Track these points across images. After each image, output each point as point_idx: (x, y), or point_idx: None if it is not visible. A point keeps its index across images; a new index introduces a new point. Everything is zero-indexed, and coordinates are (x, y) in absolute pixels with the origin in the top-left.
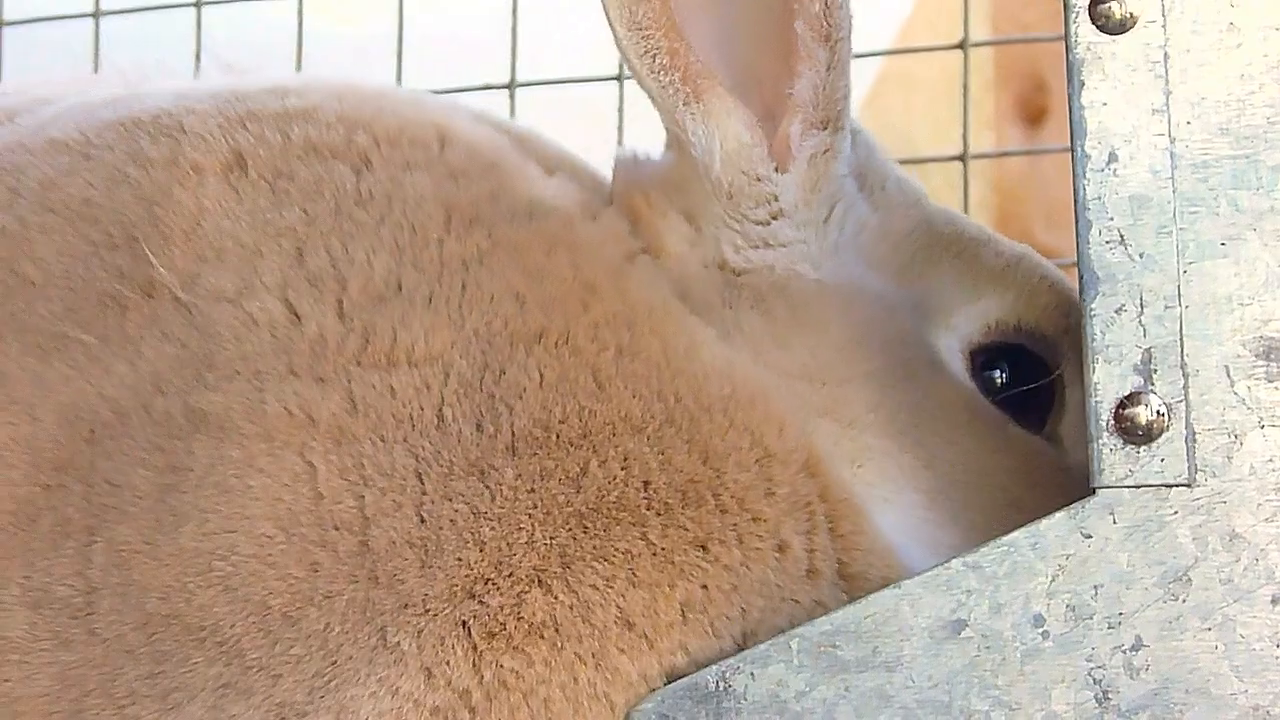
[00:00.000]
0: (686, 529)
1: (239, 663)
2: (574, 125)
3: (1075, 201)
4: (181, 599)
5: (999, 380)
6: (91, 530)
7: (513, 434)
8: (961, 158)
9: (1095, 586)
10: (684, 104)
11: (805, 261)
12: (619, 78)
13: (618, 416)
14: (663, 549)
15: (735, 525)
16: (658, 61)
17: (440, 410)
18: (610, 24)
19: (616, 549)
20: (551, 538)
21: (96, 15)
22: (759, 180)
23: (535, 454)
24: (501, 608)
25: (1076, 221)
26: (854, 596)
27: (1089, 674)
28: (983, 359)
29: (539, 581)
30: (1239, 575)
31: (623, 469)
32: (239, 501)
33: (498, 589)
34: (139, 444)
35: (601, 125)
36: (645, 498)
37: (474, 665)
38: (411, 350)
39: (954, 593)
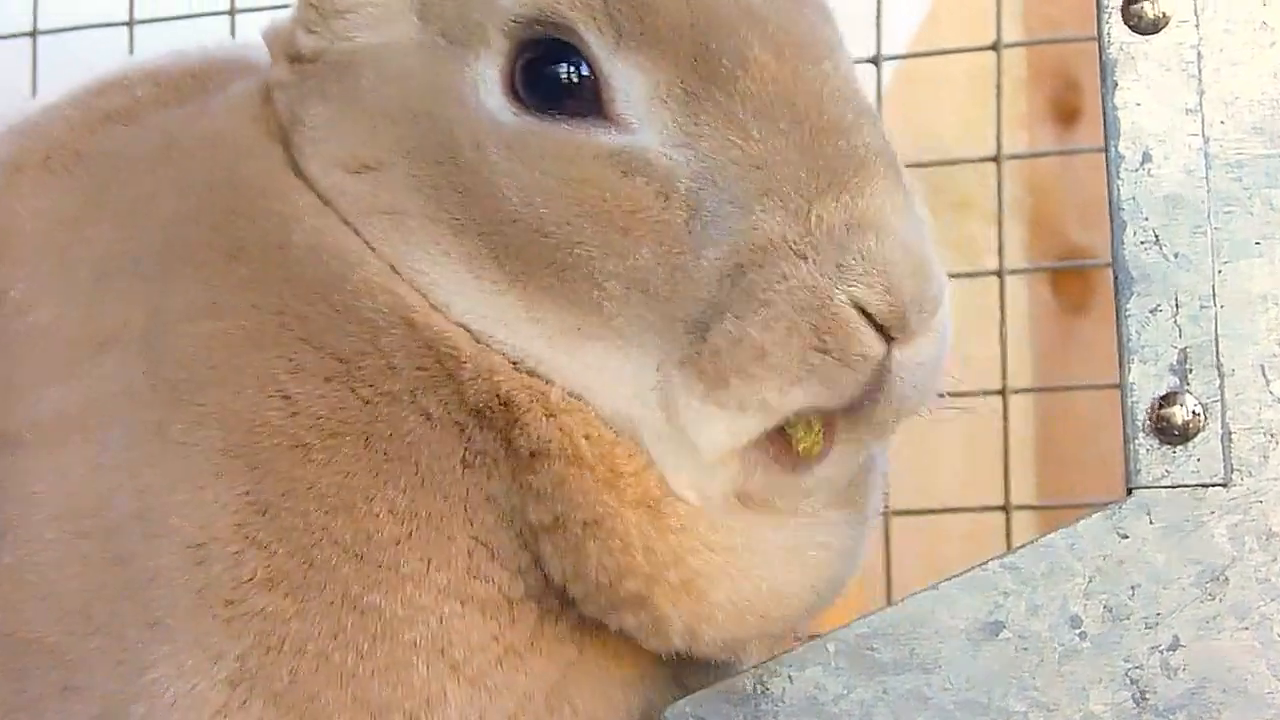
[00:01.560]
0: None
1: (66, 664)
2: None
3: (1110, 202)
4: (12, 616)
5: (566, 77)
6: None
7: (175, 389)
8: (995, 158)
9: (1132, 587)
10: None
11: (366, 27)
12: None
13: (249, 342)
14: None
15: (385, 412)
16: None
17: (132, 388)
18: None
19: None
20: (245, 490)
21: (130, 24)
22: None
23: (198, 403)
24: (225, 570)
25: (1111, 222)
26: (509, 423)
27: (1126, 674)
28: (524, 68)
29: (249, 539)
30: (1276, 574)
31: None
32: (31, 511)
33: (218, 555)
34: None
35: None
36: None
37: (228, 632)
38: (120, 334)
39: (991, 594)
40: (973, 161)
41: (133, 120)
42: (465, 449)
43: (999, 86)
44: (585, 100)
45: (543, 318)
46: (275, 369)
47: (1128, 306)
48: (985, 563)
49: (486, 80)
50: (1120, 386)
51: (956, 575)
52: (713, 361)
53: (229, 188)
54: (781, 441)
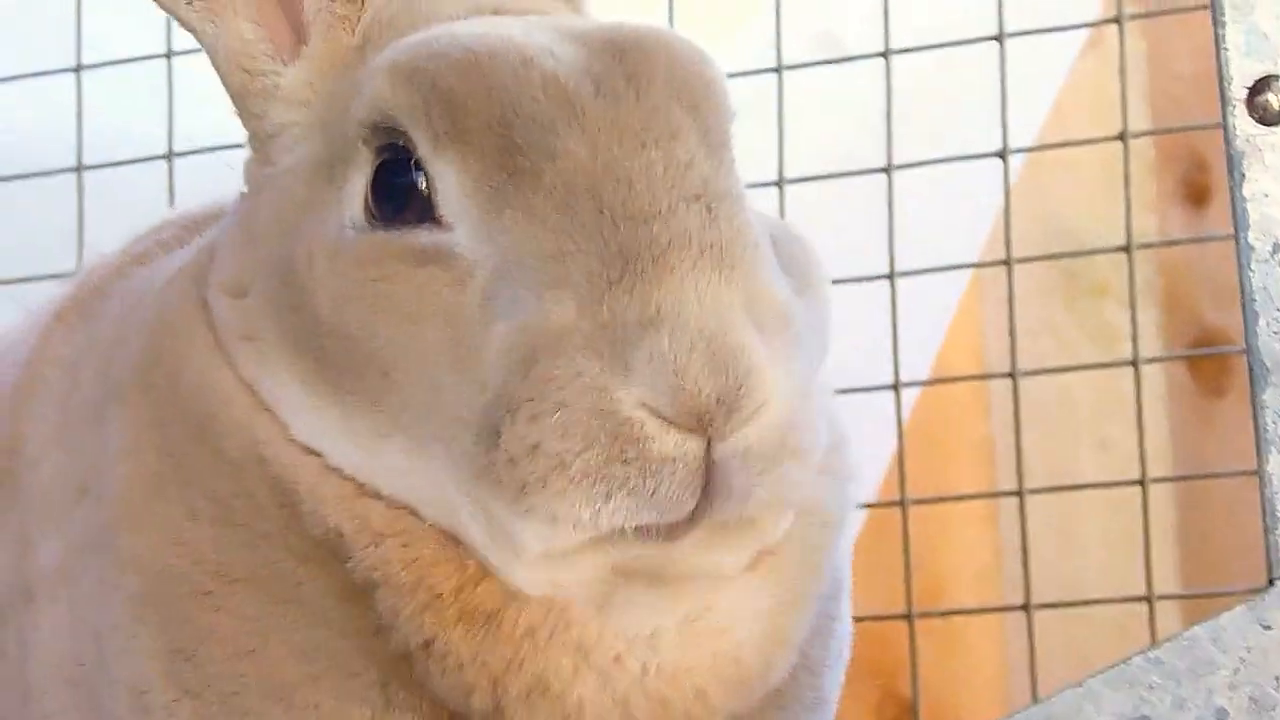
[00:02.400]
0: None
1: None
2: None
3: (1241, 293)
4: None
5: (400, 183)
6: None
7: (107, 533)
8: (1126, 248)
9: (1276, 677)
10: (187, 3)
11: (287, 150)
12: None
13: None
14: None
15: (264, 554)
16: None
17: (90, 536)
18: None
19: None
20: (167, 638)
21: (169, 56)
22: (261, 75)
23: (120, 548)
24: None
25: (1244, 313)
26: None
27: None
28: (373, 178)
29: (180, 687)
30: None
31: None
32: (41, 663)
33: (157, 703)
34: None
35: None
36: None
37: None
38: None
39: (1136, 689)
40: (1104, 252)
41: (150, 262)
42: (339, 583)
43: (1127, 176)
44: (421, 205)
45: (356, 426)
46: (175, 513)
47: (1264, 397)
48: (1130, 658)
49: (352, 195)
50: (1259, 477)
51: (1101, 671)
52: (508, 471)
53: (155, 327)
54: None
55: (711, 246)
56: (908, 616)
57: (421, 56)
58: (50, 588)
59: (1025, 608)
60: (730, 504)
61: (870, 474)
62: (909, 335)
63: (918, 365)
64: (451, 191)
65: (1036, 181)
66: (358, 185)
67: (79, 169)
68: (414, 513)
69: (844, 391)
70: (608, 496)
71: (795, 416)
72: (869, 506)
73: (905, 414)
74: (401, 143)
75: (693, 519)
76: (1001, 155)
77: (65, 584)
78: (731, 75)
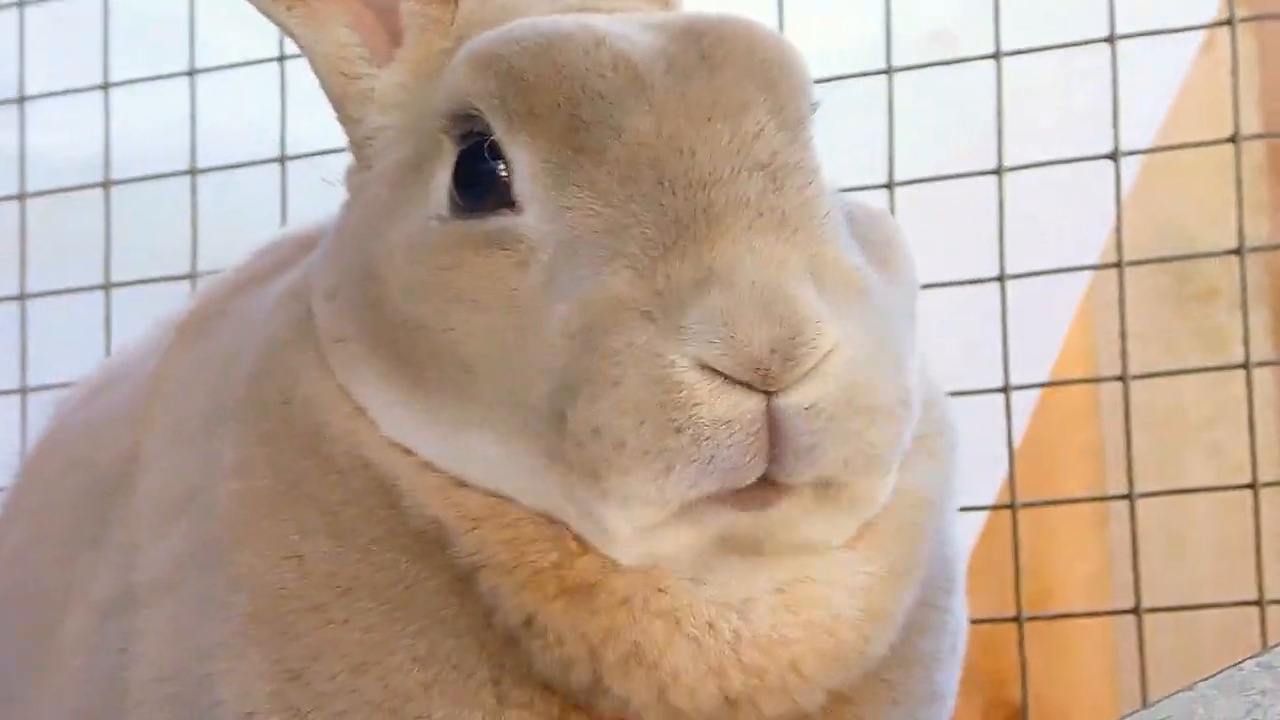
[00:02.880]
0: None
1: None
2: None
3: None
4: None
5: (482, 170)
6: None
7: (217, 549)
8: (1238, 251)
9: None
10: (287, 9)
11: (380, 154)
12: None
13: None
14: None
15: (380, 559)
16: None
17: (195, 549)
18: None
19: None
20: (276, 658)
21: (281, 59)
22: (357, 79)
23: (231, 565)
24: None
25: None
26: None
27: None
28: (455, 170)
29: (287, 707)
30: None
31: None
32: (141, 671)
33: None
34: None
35: None
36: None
37: None
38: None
39: (1248, 694)
40: (1215, 255)
41: (265, 282)
42: (447, 576)
43: (1238, 179)
44: (501, 191)
45: (441, 419)
46: (287, 530)
47: None
48: (1241, 662)
49: (438, 188)
50: None
51: (1212, 675)
52: (577, 454)
53: (264, 345)
54: None
55: (772, 210)
56: (1017, 620)
57: (498, 43)
58: (153, 596)
59: (1135, 612)
60: (800, 464)
61: (983, 479)
62: (1027, 341)
63: (1037, 371)
64: (524, 173)
65: (1151, 185)
66: (442, 178)
67: (193, 172)
68: (510, 499)
69: (955, 394)
70: (668, 469)
71: (865, 374)
72: (979, 509)
73: (1021, 419)
74: (480, 130)
75: (779, 486)
76: (1113, 157)
77: (168, 594)
78: (841, 76)
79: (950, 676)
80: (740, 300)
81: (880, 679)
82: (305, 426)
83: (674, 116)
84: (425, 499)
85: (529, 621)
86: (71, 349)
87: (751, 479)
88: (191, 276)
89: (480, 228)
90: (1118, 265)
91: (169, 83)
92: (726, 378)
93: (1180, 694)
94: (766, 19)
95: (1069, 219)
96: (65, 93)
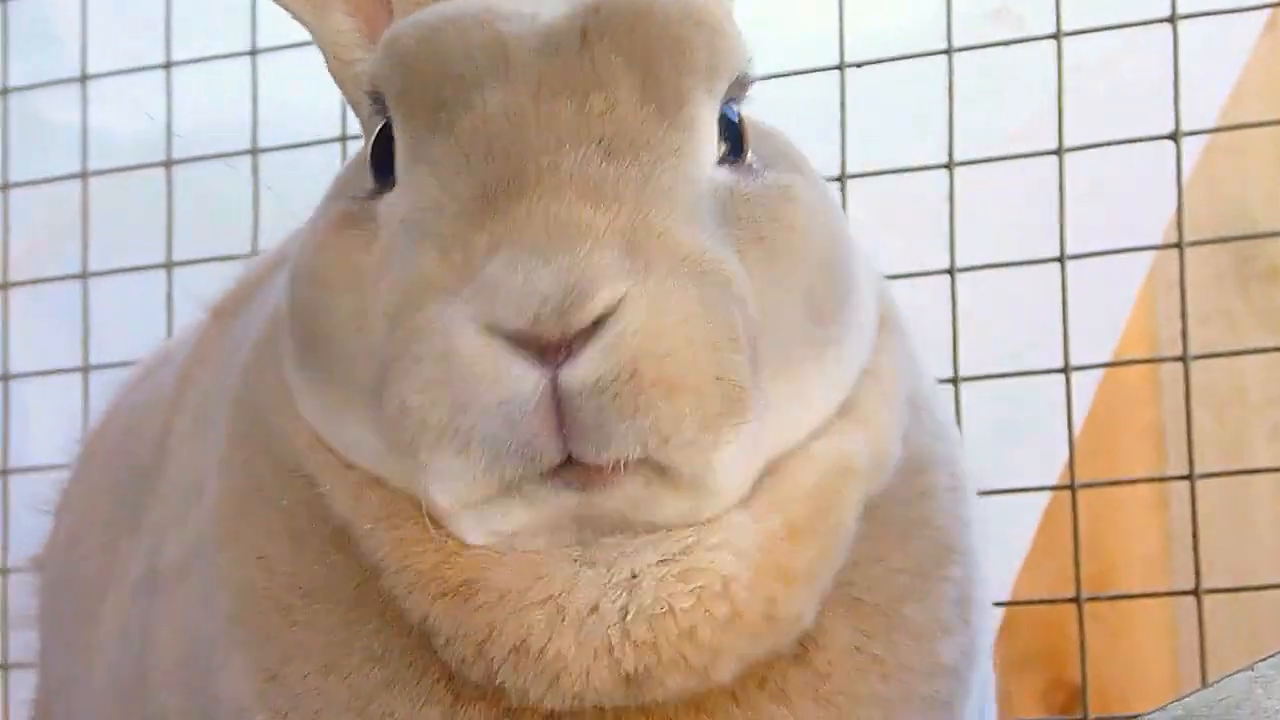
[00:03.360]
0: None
1: None
2: None
3: None
4: None
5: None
6: None
7: (206, 546)
8: None
9: None
10: None
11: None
12: None
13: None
14: None
15: (333, 559)
16: None
17: (199, 539)
18: None
19: None
20: (254, 657)
21: (253, 53)
22: (353, 62)
23: (215, 564)
24: None
25: None
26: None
27: None
28: (374, 154)
29: (270, 707)
30: None
31: None
32: (159, 654)
33: None
34: None
35: None
36: None
37: None
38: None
39: None
40: (1277, 235)
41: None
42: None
43: None
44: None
45: (324, 402)
46: (255, 532)
47: None
48: None
49: (364, 170)
50: None
51: (1272, 655)
52: (393, 431)
53: (258, 334)
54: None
55: (589, 180)
56: (1076, 600)
57: (401, 26)
58: (171, 581)
59: (1195, 593)
60: (591, 443)
61: (1044, 459)
62: (1088, 321)
63: (1098, 351)
64: (398, 150)
65: (1212, 165)
66: (363, 159)
67: (254, 151)
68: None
69: (1017, 374)
70: (466, 447)
71: (662, 345)
72: (1040, 490)
73: (1082, 400)
74: (384, 110)
75: (595, 468)
76: (1174, 138)
77: (181, 581)
78: (901, 56)
79: (961, 649)
80: (518, 259)
81: (863, 653)
82: (263, 425)
83: (524, 94)
84: (337, 499)
85: (424, 621)
86: (133, 328)
87: (553, 459)
88: (252, 256)
89: (346, 208)
90: (1178, 245)
91: (230, 62)
92: (509, 342)
93: (1239, 674)
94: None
95: (1130, 199)
96: (127, 71)
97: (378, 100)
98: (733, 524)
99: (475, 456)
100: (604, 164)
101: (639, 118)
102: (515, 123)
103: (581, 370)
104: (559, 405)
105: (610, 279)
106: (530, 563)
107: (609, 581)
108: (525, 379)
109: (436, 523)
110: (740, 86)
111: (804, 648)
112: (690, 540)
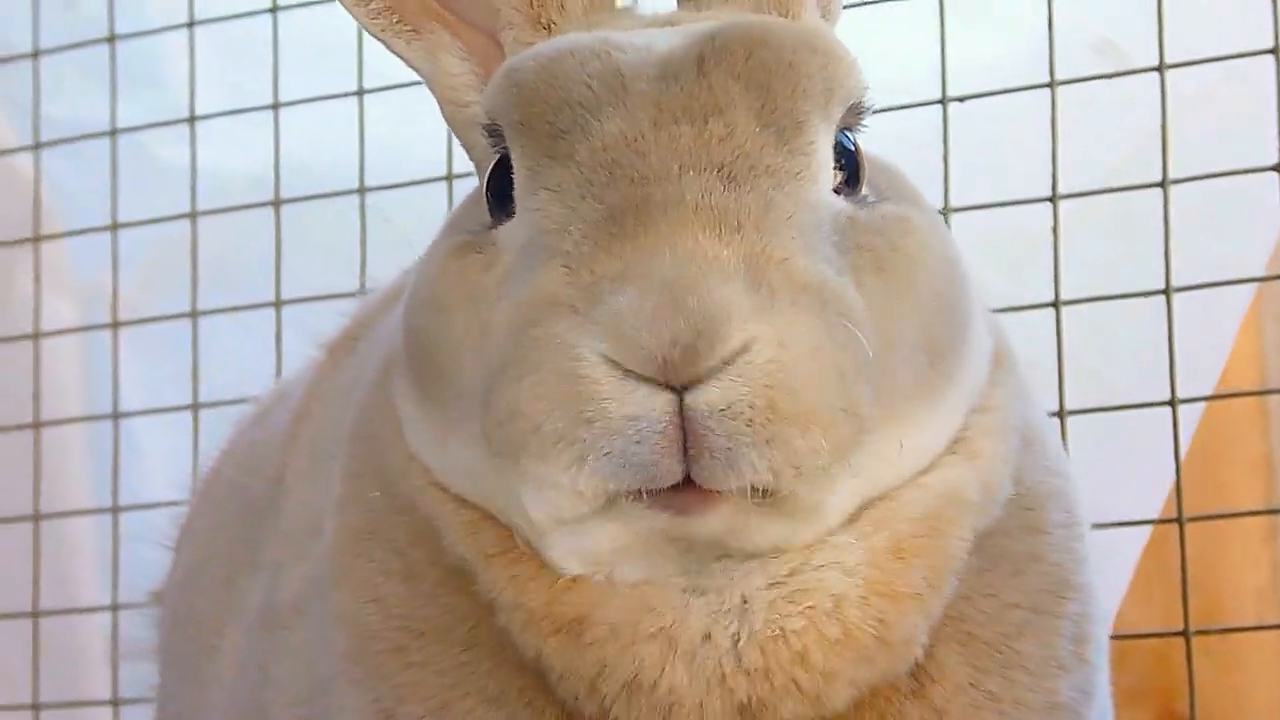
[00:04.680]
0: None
1: None
2: None
3: None
4: None
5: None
6: None
7: (322, 585)
8: None
9: None
10: (407, 43)
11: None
12: None
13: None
14: None
15: (446, 601)
16: (373, 6)
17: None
18: None
19: None
20: (372, 698)
21: (360, 94)
22: (465, 106)
23: (331, 603)
24: None
25: None
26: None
27: None
28: (492, 186)
29: None
30: None
31: None
32: (278, 692)
33: None
34: None
35: None
36: None
37: None
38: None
39: None
40: None
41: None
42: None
43: None
44: (512, 200)
45: (434, 430)
46: (371, 571)
47: None
48: None
49: (482, 203)
50: None
51: None
52: (498, 434)
53: (375, 371)
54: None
55: (713, 209)
56: (1184, 634)
57: (517, 60)
58: (289, 617)
59: None
60: (719, 469)
61: (1150, 492)
62: (1193, 353)
63: (1203, 383)
64: (517, 179)
65: None
66: (478, 195)
67: (361, 190)
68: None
69: (1122, 408)
70: (581, 460)
71: (795, 378)
72: (1145, 524)
73: (1187, 431)
74: (501, 143)
75: (706, 493)
76: (1278, 169)
77: (300, 617)
78: (1003, 90)
79: (1078, 687)
80: (647, 295)
81: (978, 689)
82: (378, 465)
83: (644, 120)
84: (455, 537)
85: (537, 659)
86: (243, 365)
87: (671, 479)
88: (360, 293)
89: (464, 239)
90: None
91: (338, 102)
92: (631, 373)
93: None
94: (927, 34)
95: (1233, 230)
96: (236, 112)
97: (494, 133)
98: (838, 544)
99: (589, 470)
100: (725, 191)
101: (758, 143)
102: (636, 148)
103: (713, 396)
104: (683, 427)
105: (739, 318)
106: (640, 595)
107: (720, 609)
108: (654, 398)
109: (531, 546)
110: (855, 114)
111: (919, 682)
112: (797, 562)
